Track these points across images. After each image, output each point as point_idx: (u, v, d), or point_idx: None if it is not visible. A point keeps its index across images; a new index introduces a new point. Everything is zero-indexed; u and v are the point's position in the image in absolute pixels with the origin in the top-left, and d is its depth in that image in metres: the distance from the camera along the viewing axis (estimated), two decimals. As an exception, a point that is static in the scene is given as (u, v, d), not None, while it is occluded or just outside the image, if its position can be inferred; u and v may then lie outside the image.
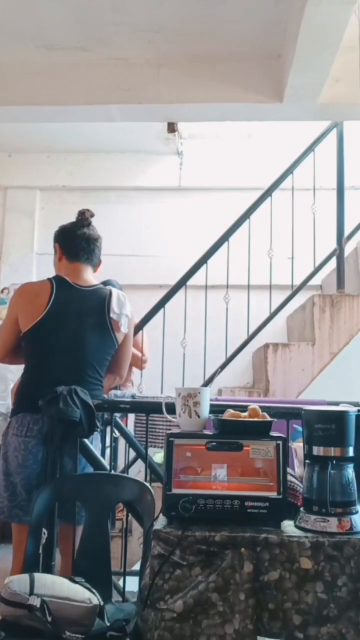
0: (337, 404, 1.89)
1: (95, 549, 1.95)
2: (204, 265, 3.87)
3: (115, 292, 2.44)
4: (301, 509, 1.65)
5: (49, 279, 2.41)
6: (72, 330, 2.32)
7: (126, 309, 2.43)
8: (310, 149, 4.04)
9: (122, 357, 2.50)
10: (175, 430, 1.76)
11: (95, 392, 2.35)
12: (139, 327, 3.76)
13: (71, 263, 2.45)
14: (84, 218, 2.49)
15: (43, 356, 2.33)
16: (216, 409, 1.85)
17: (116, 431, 2.87)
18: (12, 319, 2.36)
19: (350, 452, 1.63)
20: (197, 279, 3.86)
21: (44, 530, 2.02)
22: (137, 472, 3.12)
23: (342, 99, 3.11)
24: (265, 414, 1.76)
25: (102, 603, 1.66)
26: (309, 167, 4.03)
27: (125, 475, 2.41)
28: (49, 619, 1.55)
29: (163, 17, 2.91)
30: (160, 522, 1.64)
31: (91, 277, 2.46)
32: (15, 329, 2.35)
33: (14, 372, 3.57)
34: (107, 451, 2.77)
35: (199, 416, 1.76)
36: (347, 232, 4.06)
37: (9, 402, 3.68)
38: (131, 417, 3.52)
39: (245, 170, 5.15)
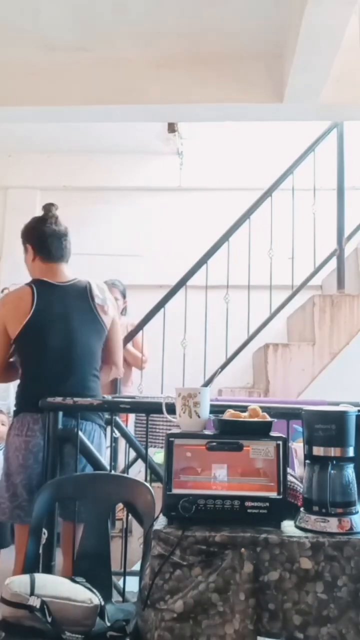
0: (337, 404, 1.89)
1: (95, 549, 1.95)
2: (204, 265, 3.87)
3: (93, 281, 2.47)
4: (301, 509, 1.65)
5: (28, 284, 2.42)
6: (61, 325, 2.34)
7: (108, 293, 2.48)
8: (311, 149, 4.04)
9: (113, 344, 2.51)
10: (175, 431, 1.76)
11: (92, 384, 2.36)
12: (139, 327, 3.76)
13: (47, 264, 2.45)
14: (50, 214, 2.47)
15: (38, 355, 2.34)
16: (216, 409, 1.85)
17: (116, 431, 2.87)
18: (0, 330, 2.36)
19: (351, 452, 1.63)
20: (197, 279, 3.86)
21: (44, 530, 2.02)
22: (137, 472, 3.12)
23: (342, 99, 3.11)
24: (265, 414, 1.76)
25: (102, 603, 1.66)
26: (309, 167, 4.03)
27: (125, 475, 2.42)
28: (49, 619, 1.56)
29: (163, 17, 2.90)
30: (160, 522, 1.64)
31: (68, 272, 2.47)
32: (6, 340, 2.35)
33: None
34: (107, 451, 2.77)
35: (199, 416, 1.76)
36: (347, 232, 4.07)
37: (9, 402, 3.68)
38: (131, 417, 3.52)
39: (245, 170, 5.15)
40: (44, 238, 2.46)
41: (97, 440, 2.37)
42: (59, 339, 2.32)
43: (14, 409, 2.40)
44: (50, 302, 2.35)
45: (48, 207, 2.49)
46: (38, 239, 2.47)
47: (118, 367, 2.59)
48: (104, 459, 2.40)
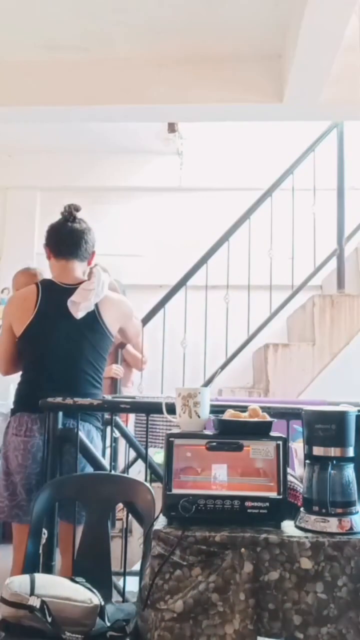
0: (337, 404, 1.89)
1: (95, 549, 1.95)
2: (204, 265, 3.87)
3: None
4: (301, 509, 1.65)
5: (36, 283, 2.44)
6: (63, 329, 2.33)
7: (114, 299, 2.47)
8: (311, 149, 4.04)
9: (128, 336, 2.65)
10: (175, 431, 1.76)
11: (93, 389, 2.35)
12: (139, 327, 3.75)
13: (58, 261, 2.46)
14: (67, 213, 2.47)
15: (38, 356, 2.34)
16: (216, 409, 1.85)
17: (116, 431, 2.87)
18: (7, 327, 2.40)
19: (351, 452, 1.63)
20: (197, 279, 3.86)
21: (44, 530, 2.02)
22: (137, 472, 3.12)
23: (342, 99, 3.11)
24: (265, 414, 1.76)
25: (102, 603, 1.66)
26: (309, 167, 4.03)
27: (125, 475, 2.42)
28: (49, 619, 1.55)
29: (163, 17, 2.90)
30: (160, 522, 1.64)
31: (79, 273, 2.45)
32: (12, 337, 2.38)
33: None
34: (107, 451, 2.77)
35: (199, 416, 1.76)
36: (347, 232, 4.07)
37: (9, 402, 3.68)
38: (131, 417, 3.52)
39: (245, 170, 5.15)
40: (55, 234, 2.47)
41: (95, 442, 2.36)
42: (61, 345, 2.32)
43: (12, 407, 2.40)
44: (53, 306, 2.34)
45: (65, 207, 2.49)
46: (51, 235, 2.49)
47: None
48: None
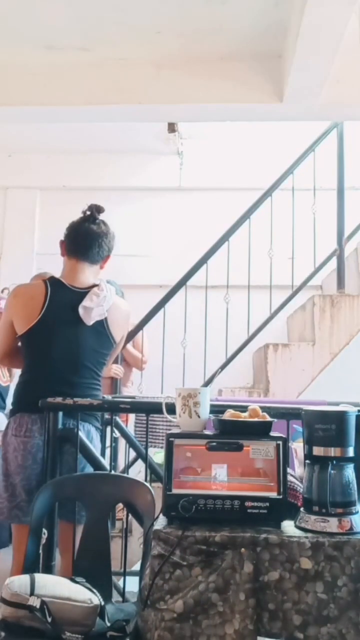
0: (337, 404, 1.89)
1: (95, 549, 1.95)
2: (204, 265, 3.87)
3: (109, 293, 2.41)
4: (301, 509, 1.65)
5: (44, 281, 2.39)
6: (67, 333, 2.30)
7: (116, 310, 2.42)
8: (311, 149, 4.04)
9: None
10: (175, 431, 1.76)
11: (93, 392, 2.35)
12: (139, 327, 3.76)
13: (70, 260, 2.41)
14: (89, 213, 2.44)
15: (40, 358, 2.32)
16: (216, 409, 1.85)
17: (116, 431, 2.87)
18: (7, 321, 2.36)
19: (351, 452, 1.63)
20: (197, 279, 3.86)
21: (44, 530, 2.02)
22: (137, 472, 3.12)
23: (342, 100, 3.11)
24: (265, 414, 1.76)
25: (102, 603, 1.66)
26: (309, 167, 4.03)
27: (125, 475, 2.42)
28: (49, 619, 1.56)
29: (163, 17, 2.90)
30: (160, 522, 1.64)
31: (89, 276, 2.40)
32: (12, 331, 2.35)
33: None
34: (107, 451, 2.77)
35: (199, 416, 1.76)
36: (347, 232, 4.07)
37: (9, 402, 3.68)
38: (131, 417, 3.52)
39: (245, 170, 5.16)
40: (72, 232, 2.43)
41: (94, 442, 2.36)
42: (64, 349, 2.30)
43: (11, 408, 2.40)
44: (61, 308, 2.30)
45: (89, 207, 2.45)
46: (69, 233, 2.44)
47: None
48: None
